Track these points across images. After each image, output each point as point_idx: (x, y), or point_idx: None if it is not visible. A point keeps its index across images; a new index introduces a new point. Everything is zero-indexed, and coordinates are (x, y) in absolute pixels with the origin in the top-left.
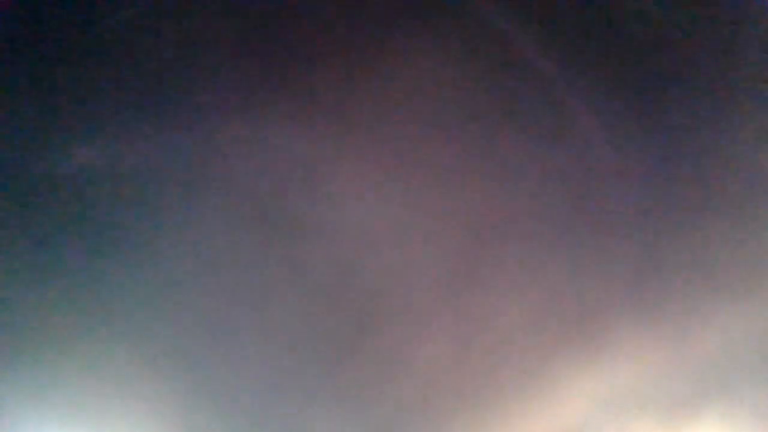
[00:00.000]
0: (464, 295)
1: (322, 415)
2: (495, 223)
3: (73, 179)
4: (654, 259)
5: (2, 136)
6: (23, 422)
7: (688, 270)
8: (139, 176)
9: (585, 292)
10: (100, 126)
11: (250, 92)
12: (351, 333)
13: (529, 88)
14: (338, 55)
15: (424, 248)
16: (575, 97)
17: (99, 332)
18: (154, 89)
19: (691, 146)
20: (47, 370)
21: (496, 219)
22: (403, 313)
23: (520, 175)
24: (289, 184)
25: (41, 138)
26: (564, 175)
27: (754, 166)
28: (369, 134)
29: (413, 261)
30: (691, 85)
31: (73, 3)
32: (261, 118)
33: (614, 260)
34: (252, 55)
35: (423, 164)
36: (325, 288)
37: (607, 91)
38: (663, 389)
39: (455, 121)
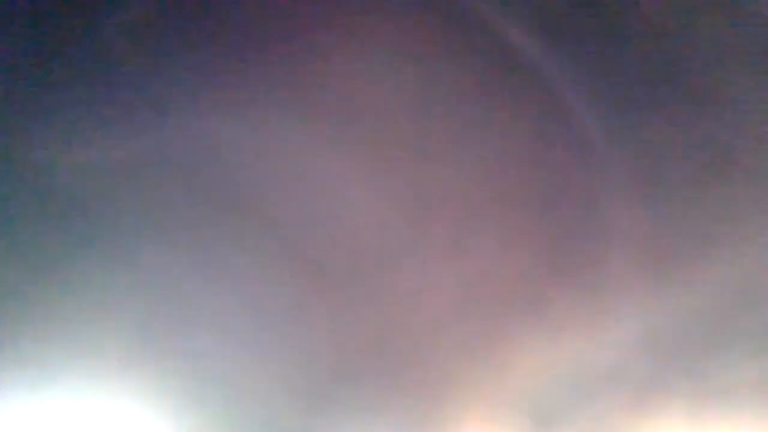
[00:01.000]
0: (432, 267)
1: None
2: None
3: (72, 174)
4: (614, 235)
5: (5, 133)
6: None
7: (649, 246)
8: (136, 170)
9: (550, 268)
10: (99, 123)
11: (243, 90)
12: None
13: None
14: (331, 51)
15: (397, 230)
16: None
17: (92, 324)
18: (151, 87)
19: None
20: (48, 363)
21: (460, 204)
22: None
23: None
24: (281, 176)
25: (41, 135)
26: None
27: (744, 157)
28: (354, 133)
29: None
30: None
31: (74, 4)
32: (256, 116)
33: (584, 238)
34: (247, 55)
35: (401, 157)
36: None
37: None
38: (626, 367)
39: (435, 116)
